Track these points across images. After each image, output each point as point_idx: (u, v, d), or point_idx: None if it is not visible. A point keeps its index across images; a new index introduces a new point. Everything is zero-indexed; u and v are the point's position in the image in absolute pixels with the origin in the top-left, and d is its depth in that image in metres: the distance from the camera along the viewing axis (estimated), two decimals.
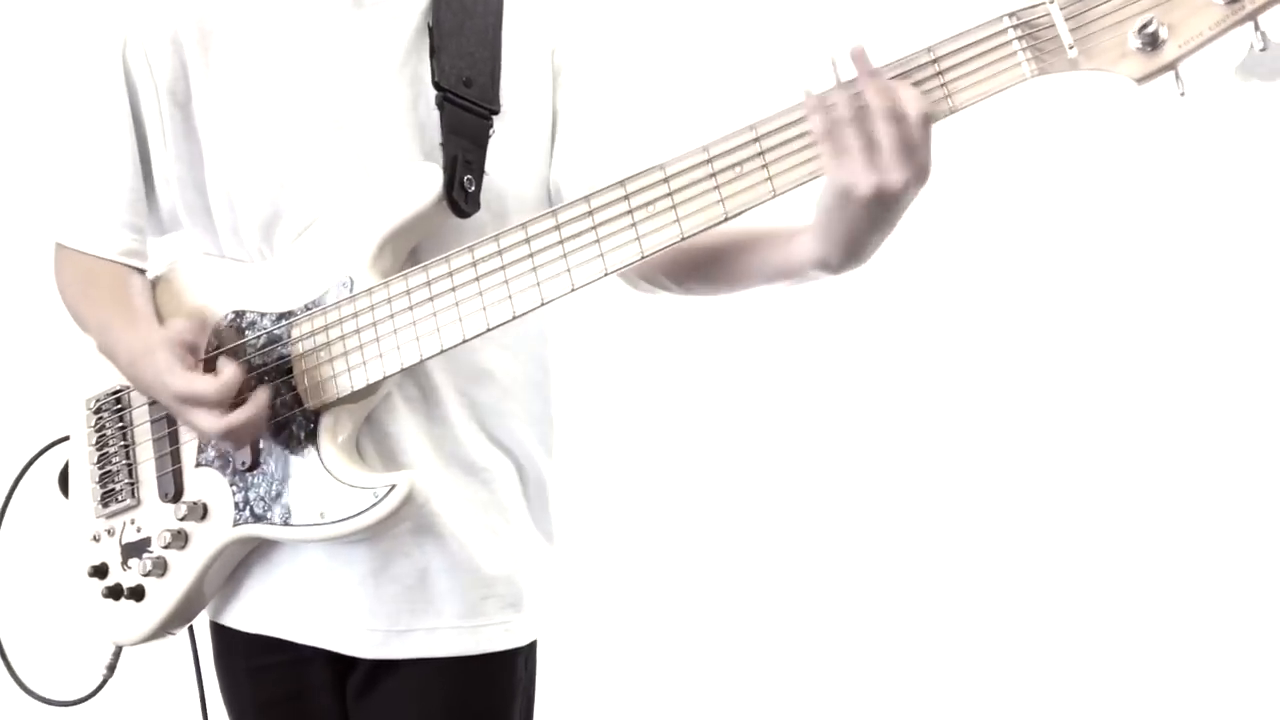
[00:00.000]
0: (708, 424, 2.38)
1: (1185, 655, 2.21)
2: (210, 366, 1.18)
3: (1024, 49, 0.97)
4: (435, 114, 1.24)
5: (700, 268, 1.23)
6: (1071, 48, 0.96)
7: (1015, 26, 0.98)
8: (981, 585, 2.30)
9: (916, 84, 0.98)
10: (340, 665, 1.26)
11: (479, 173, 1.23)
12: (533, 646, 1.30)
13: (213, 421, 1.14)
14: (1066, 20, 0.96)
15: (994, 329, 2.33)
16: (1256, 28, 0.93)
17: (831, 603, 2.34)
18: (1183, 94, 0.95)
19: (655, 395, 2.37)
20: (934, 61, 0.99)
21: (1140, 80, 0.96)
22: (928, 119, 0.97)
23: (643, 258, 1.09)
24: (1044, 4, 0.97)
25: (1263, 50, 0.93)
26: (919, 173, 0.98)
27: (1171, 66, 0.95)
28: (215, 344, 1.25)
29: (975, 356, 2.33)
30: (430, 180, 1.20)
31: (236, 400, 1.15)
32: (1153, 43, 0.94)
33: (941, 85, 0.99)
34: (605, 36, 1.34)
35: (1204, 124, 2.06)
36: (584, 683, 2.28)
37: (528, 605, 1.27)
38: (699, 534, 2.37)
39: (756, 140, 1.04)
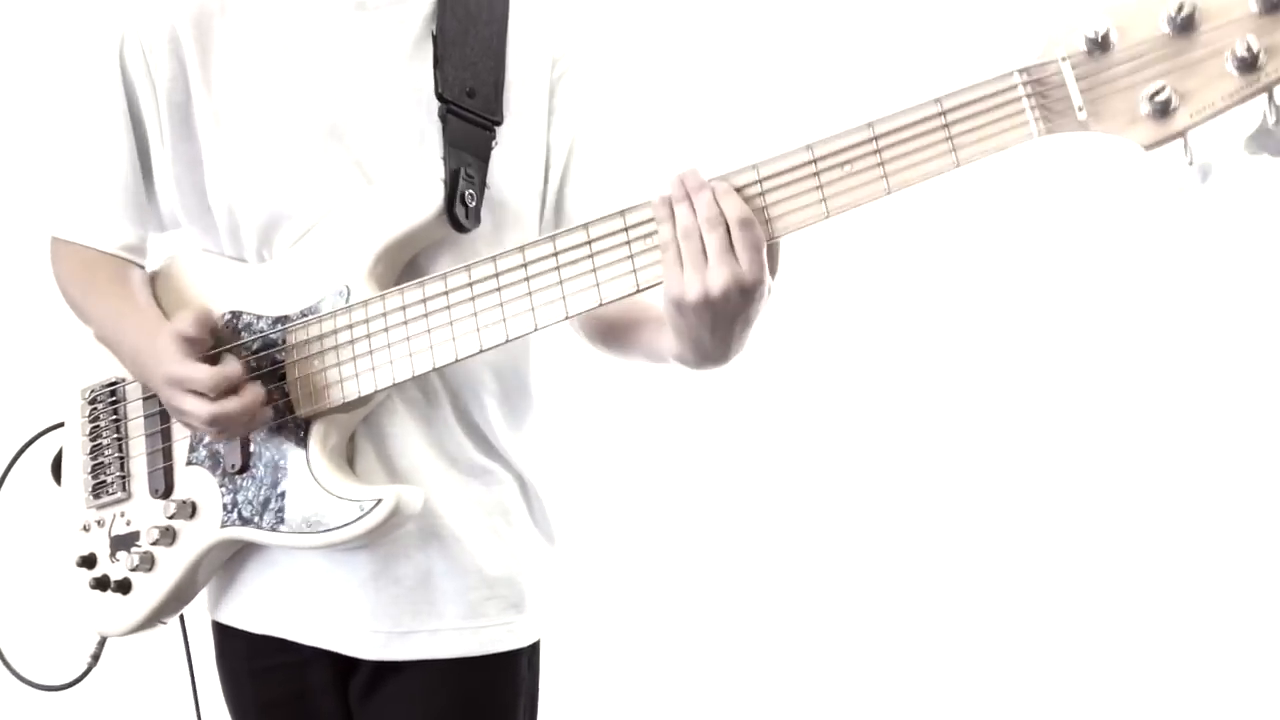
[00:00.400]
0: (708, 425, 2.38)
1: (1185, 655, 2.21)
2: (213, 362, 1.19)
3: (1033, 106, 0.96)
4: (436, 122, 1.23)
5: (605, 333, 1.29)
6: (1081, 109, 0.95)
7: (1026, 84, 0.96)
8: (980, 585, 2.31)
9: (748, 194, 1.02)
10: (343, 666, 1.27)
11: (480, 187, 1.22)
12: (536, 647, 1.31)
13: (201, 406, 1.15)
14: (1077, 80, 0.95)
15: (992, 330, 2.33)
16: (1271, 100, 0.92)
17: (831, 602, 2.35)
18: (1190, 163, 0.94)
19: (655, 397, 2.36)
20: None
21: (1148, 147, 0.94)
22: (747, 223, 1.01)
23: (638, 290, 1.08)
24: (1055, 61, 0.96)
25: (1276, 124, 0.92)
26: (739, 277, 1.01)
27: (1181, 135, 0.93)
28: (213, 343, 1.26)
29: (973, 358, 2.33)
30: (431, 194, 1.19)
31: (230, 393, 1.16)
32: (1164, 110, 0.93)
33: (947, 139, 0.98)
34: (607, 47, 1.32)
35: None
36: (588, 683, 2.29)
37: (530, 606, 1.28)
38: (700, 534, 2.37)
39: (759, 181, 1.03)
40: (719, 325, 1.04)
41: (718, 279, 1.01)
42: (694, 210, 1.02)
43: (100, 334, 1.31)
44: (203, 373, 1.15)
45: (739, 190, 1.03)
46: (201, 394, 1.15)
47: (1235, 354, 2.24)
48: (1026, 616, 2.29)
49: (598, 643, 2.33)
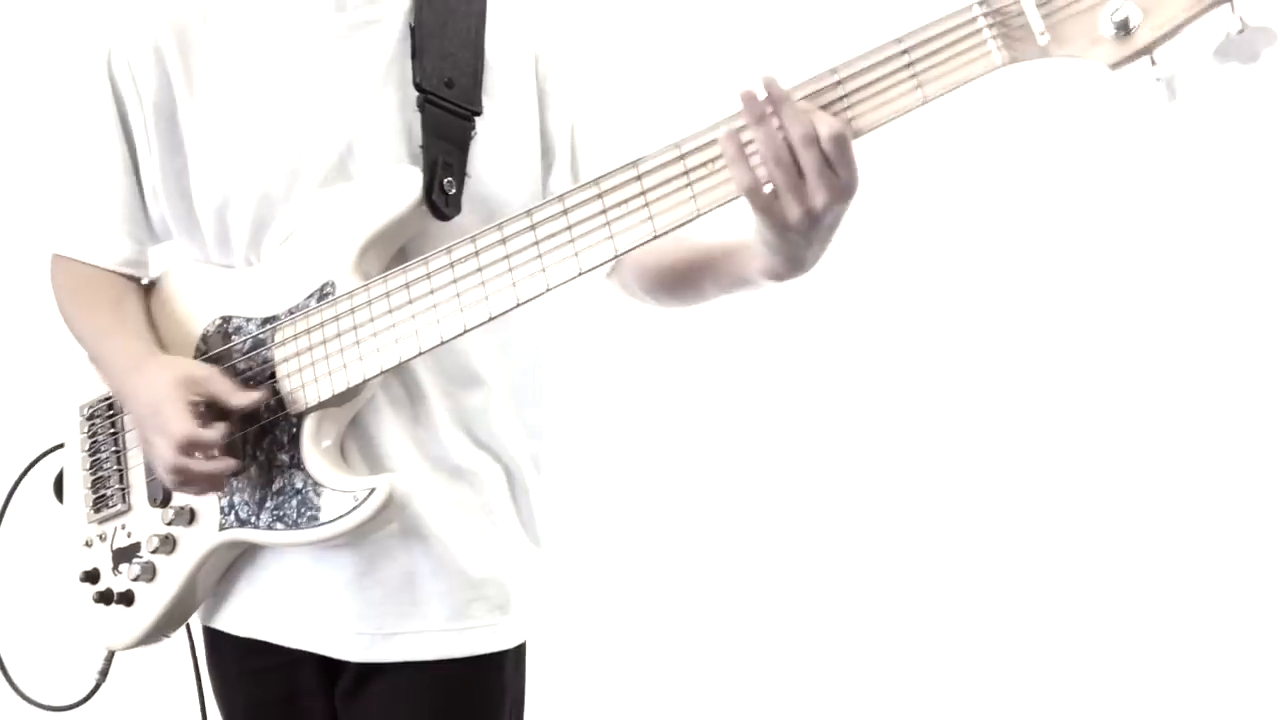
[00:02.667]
0: (696, 426, 2.37)
1: (1185, 655, 2.18)
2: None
3: (994, 36, 0.95)
4: (419, 117, 1.24)
5: (668, 282, 1.26)
6: (1042, 34, 0.94)
7: (986, 15, 0.96)
8: (979, 584, 2.27)
9: (829, 102, 0.99)
10: (330, 668, 1.26)
11: (460, 175, 1.23)
12: (522, 648, 1.30)
13: (168, 452, 1.15)
14: (1037, 6, 0.94)
15: (991, 328, 2.30)
16: (1233, 9, 0.91)
17: (819, 603, 2.32)
18: (1159, 79, 0.93)
19: (643, 397, 2.36)
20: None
21: (1114, 66, 0.93)
22: (840, 138, 0.98)
23: (616, 256, 1.08)
24: None
25: (1240, 33, 0.91)
26: (840, 192, 0.99)
27: (1146, 52, 0.93)
28: (203, 349, 1.26)
29: (970, 355, 2.30)
30: (410, 183, 1.20)
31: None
32: (1125, 28, 0.92)
33: (913, 77, 0.98)
34: (587, 38, 1.33)
35: (1193, 116, 2.02)
36: (574, 685, 2.27)
37: (515, 608, 1.27)
38: (688, 536, 2.36)
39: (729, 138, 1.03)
40: (819, 236, 1.02)
41: (820, 198, 0.98)
42: (781, 128, 0.97)
43: (90, 353, 1.32)
44: (182, 427, 1.15)
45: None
46: (177, 445, 1.15)
47: (1235, 351, 2.21)
48: (1026, 616, 2.25)
49: (584, 644, 2.31)
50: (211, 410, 1.19)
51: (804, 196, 0.98)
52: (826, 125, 0.97)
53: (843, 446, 2.33)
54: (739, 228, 1.09)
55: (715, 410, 2.37)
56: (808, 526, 2.33)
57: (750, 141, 1.00)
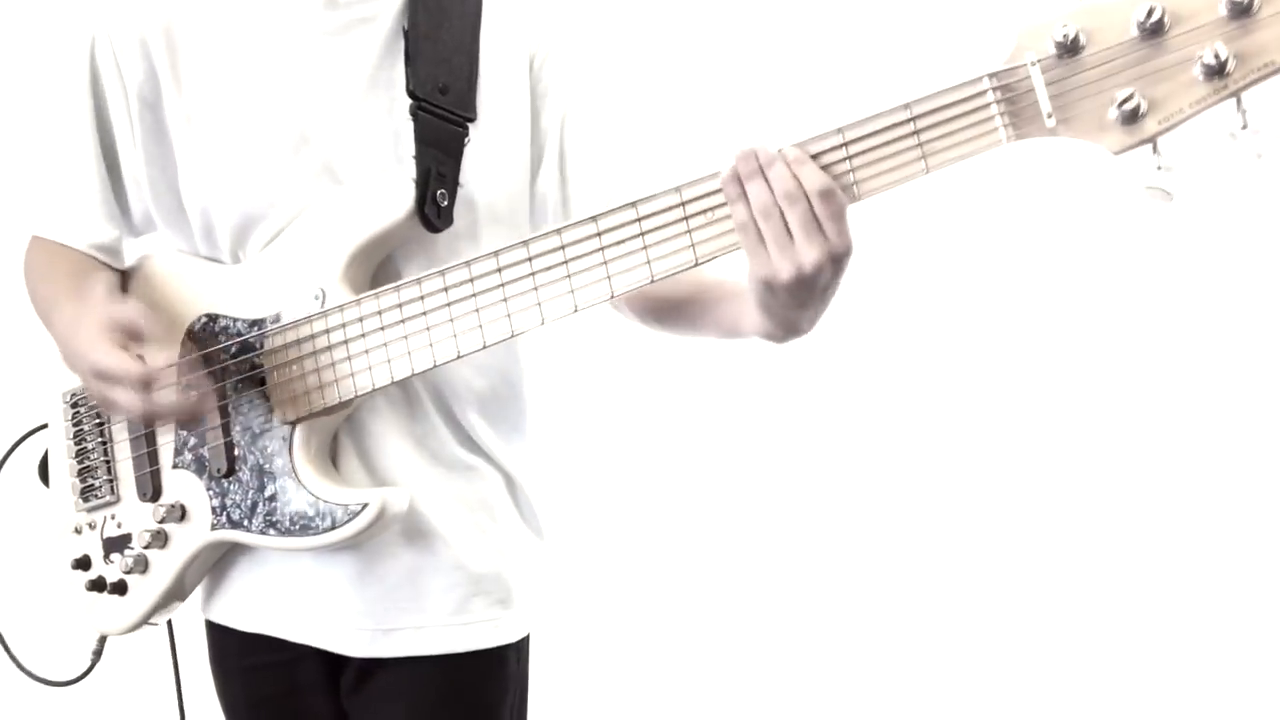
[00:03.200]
0: (697, 419, 2.37)
1: (1185, 655, 2.22)
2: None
3: (1002, 113, 0.95)
4: (409, 121, 1.21)
5: (667, 312, 1.25)
6: (1050, 116, 0.94)
7: (995, 89, 0.95)
8: (979, 584, 2.31)
9: (834, 161, 0.98)
10: (332, 664, 1.28)
11: (453, 186, 1.21)
12: (525, 642, 1.32)
13: (126, 397, 1.11)
14: (1047, 85, 0.94)
15: (992, 329, 2.31)
16: (1239, 106, 0.91)
17: (821, 596, 2.35)
18: (1159, 168, 0.94)
19: (645, 390, 2.35)
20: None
21: (1118, 153, 0.94)
22: (827, 193, 0.97)
23: (612, 297, 1.09)
24: (1024, 65, 0.95)
25: (1243, 129, 0.92)
26: (832, 251, 0.98)
27: (1150, 141, 0.93)
28: (189, 345, 1.26)
29: (971, 356, 2.31)
30: (402, 195, 1.18)
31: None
32: (1133, 117, 0.92)
33: (918, 146, 0.98)
34: (583, 42, 1.30)
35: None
36: (578, 678, 2.29)
37: (517, 602, 1.29)
38: (690, 528, 2.37)
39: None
40: (811, 300, 1.02)
41: (809, 256, 0.98)
42: (769, 186, 0.98)
43: (44, 322, 1.28)
44: (123, 367, 1.10)
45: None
46: (127, 386, 1.11)
47: (1235, 353, 2.22)
48: (1027, 616, 2.29)
49: (587, 638, 2.34)
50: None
51: (793, 254, 0.98)
52: (813, 180, 0.98)
53: (843, 438, 2.34)
54: (741, 273, 1.09)
55: (716, 403, 2.36)
56: (808, 518, 2.35)
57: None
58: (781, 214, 0.98)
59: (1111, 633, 2.27)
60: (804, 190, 0.97)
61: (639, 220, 1.06)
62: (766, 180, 0.98)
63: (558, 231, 1.10)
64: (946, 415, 2.33)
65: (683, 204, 1.05)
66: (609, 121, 1.30)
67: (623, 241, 1.07)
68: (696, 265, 1.05)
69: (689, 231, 1.05)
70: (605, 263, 1.08)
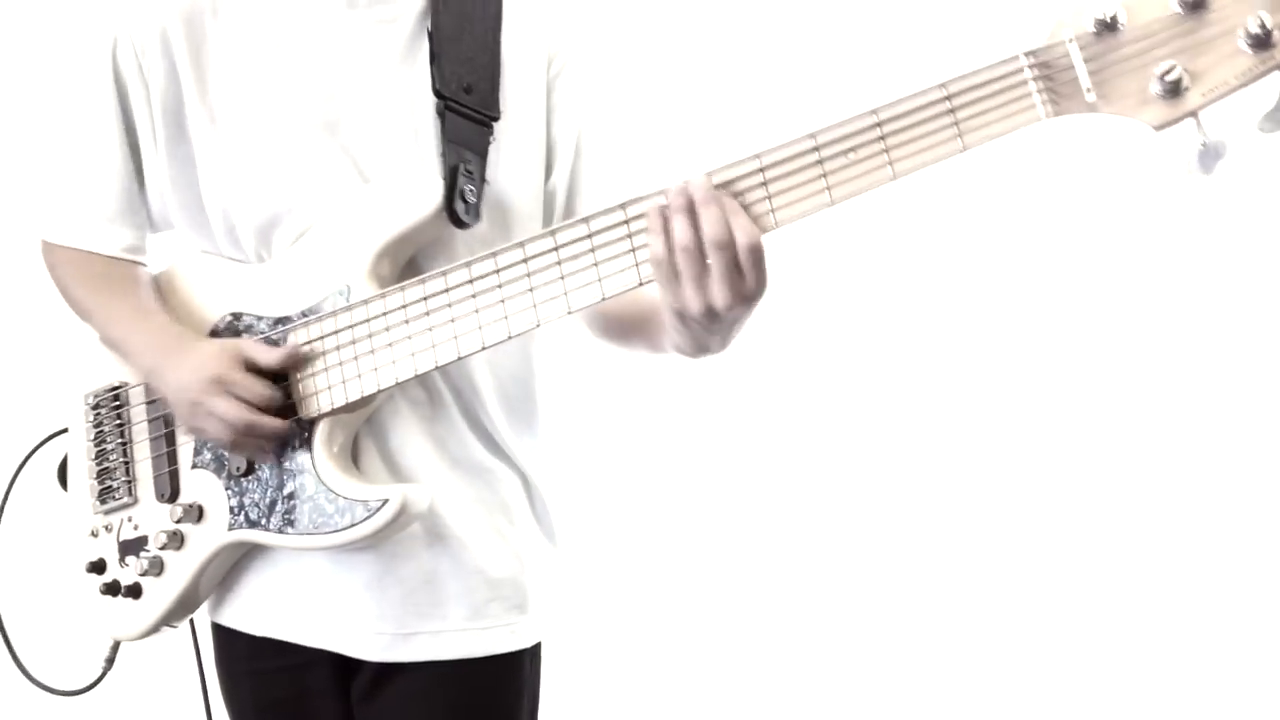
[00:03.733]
0: (710, 425, 2.37)
1: (1185, 655, 2.20)
2: None
3: (1040, 90, 0.94)
4: (431, 118, 1.22)
5: (608, 327, 1.29)
6: (1089, 91, 0.92)
7: (1032, 66, 0.94)
8: (980, 585, 2.29)
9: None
10: (344, 669, 1.26)
11: (480, 183, 1.21)
12: (538, 648, 1.31)
13: (239, 410, 1.14)
14: (1085, 62, 0.92)
15: (993, 329, 2.30)
16: None
17: (832, 602, 2.34)
18: (1204, 143, 0.92)
19: (658, 397, 2.35)
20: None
21: (1159, 128, 0.92)
22: (755, 249, 0.99)
23: (640, 284, 1.07)
24: (1062, 43, 0.93)
25: None
26: (743, 298, 1.00)
27: (1192, 115, 0.91)
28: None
29: (974, 357, 2.30)
30: (431, 191, 1.18)
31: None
32: (1175, 90, 0.90)
33: (954, 124, 0.96)
34: (600, 43, 1.31)
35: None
36: (590, 684, 2.28)
37: (533, 607, 1.28)
38: (702, 535, 2.36)
39: (761, 170, 1.01)
40: (720, 330, 1.05)
41: (722, 297, 1.00)
42: (693, 226, 0.99)
43: (109, 338, 1.30)
44: (256, 384, 1.16)
45: (740, 180, 1.00)
46: (240, 399, 1.15)
47: (1236, 353, 2.21)
48: (1027, 616, 2.27)
49: (600, 643, 2.32)
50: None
51: (706, 291, 1.00)
52: (744, 234, 0.99)
53: (855, 444, 2.33)
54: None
55: (728, 410, 2.36)
56: (819, 525, 2.34)
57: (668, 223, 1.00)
58: (701, 256, 0.99)
59: (1111, 632, 2.24)
60: (733, 240, 0.98)
61: (590, 236, 1.07)
62: (692, 220, 0.99)
63: (585, 220, 1.08)
64: (956, 423, 2.31)
65: (627, 221, 1.05)
66: (622, 132, 1.32)
67: (578, 257, 1.07)
68: (641, 284, 1.06)
69: (633, 250, 1.05)
70: (634, 249, 1.06)
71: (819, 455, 2.35)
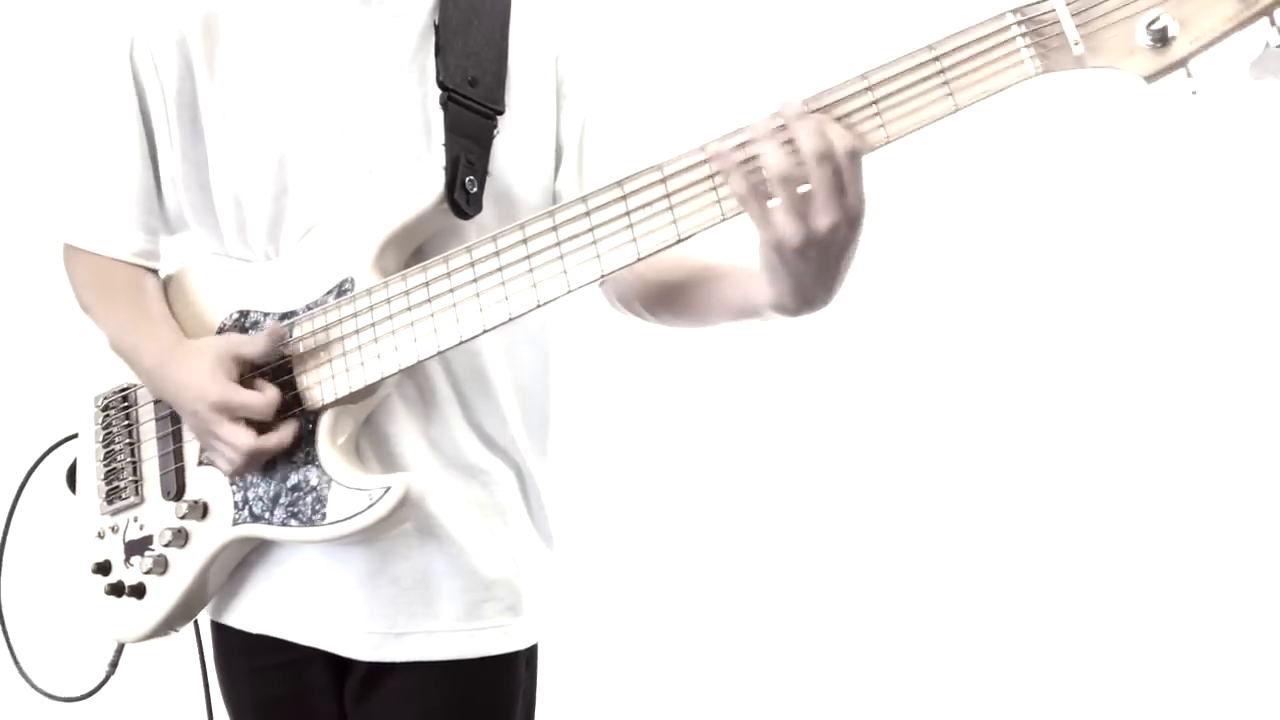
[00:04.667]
0: (707, 427, 2.36)
1: (1185, 655, 2.17)
2: (247, 385, 1.18)
3: (1028, 45, 0.94)
4: (440, 113, 1.23)
5: (669, 299, 1.23)
6: (1077, 44, 0.93)
7: (1020, 23, 0.95)
8: (980, 585, 2.27)
9: (847, 115, 0.96)
10: (339, 667, 1.26)
11: (482, 174, 1.22)
12: (533, 650, 1.29)
13: (246, 437, 1.14)
14: (1072, 16, 0.93)
15: (994, 329, 2.30)
16: (1273, 23, 0.89)
17: (831, 605, 2.32)
18: (1194, 92, 0.92)
19: (654, 398, 2.36)
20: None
21: (1149, 78, 0.92)
22: (855, 154, 0.94)
23: (639, 259, 1.07)
24: None
25: (1278, 46, 0.89)
26: (848, 216, 0.95)
27: (1182, 64, 0.91)
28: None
29: (975, 357, 2.30)
30: (431, 181, 1.19)
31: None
32: (1162, 39, 0.91)
33: (944, 84, 0.97)
34: (610, 40, 1.32)
35: (1212, 123, 2.02)
36: (585, 686, 2.27)
37: (527, 609, 1.27)
38: (698, 537, 2.35)
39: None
40: (825, 264, 0.97)
41: (825, 219, 0.94)
42: (782, 148, 0.94)
43: (116, 345, 1.31)
44: (253, 399, 1.15)
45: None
46: (247, 424, 1.14)
47: (1236, 352, 2.20)
48: (1027, 617, 2.25)
49: (596, 646, 2.30)
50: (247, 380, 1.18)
51: (807, 216, 0.94)
52: (843, 140, 0.94)
53: (854, 445, 2.33)
54: (747, 252, 1.05)
55: (725, 411, 2.36)
56: (817, 526, 2.33)
57: (753, 157, 0.97)
58: (801, 173, 0.94)
59: (1111, 632, 2.21)
60: (834, 149, 0.94)
61: (664, 180, 1.05)
62: (784, 137, 0.95)
63: (583, 199, 1.09)
64: (958, 423, 2.30)
65: (708, 160, 1.04)
66: (628, 126, 1.31)
67: (649, 204, 1.06)
68: (724, 221, 1.03)
69: (715, 188, 1.03)
70: (631, 225, 1.07)
71: (817, 456, 2.33)
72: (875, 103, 0.98)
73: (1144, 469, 2.22)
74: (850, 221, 0.96)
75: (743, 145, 0.98)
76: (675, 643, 2.35)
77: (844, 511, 2.32)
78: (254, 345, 1.18)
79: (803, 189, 0.95)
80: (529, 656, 1.28)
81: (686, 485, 2.36)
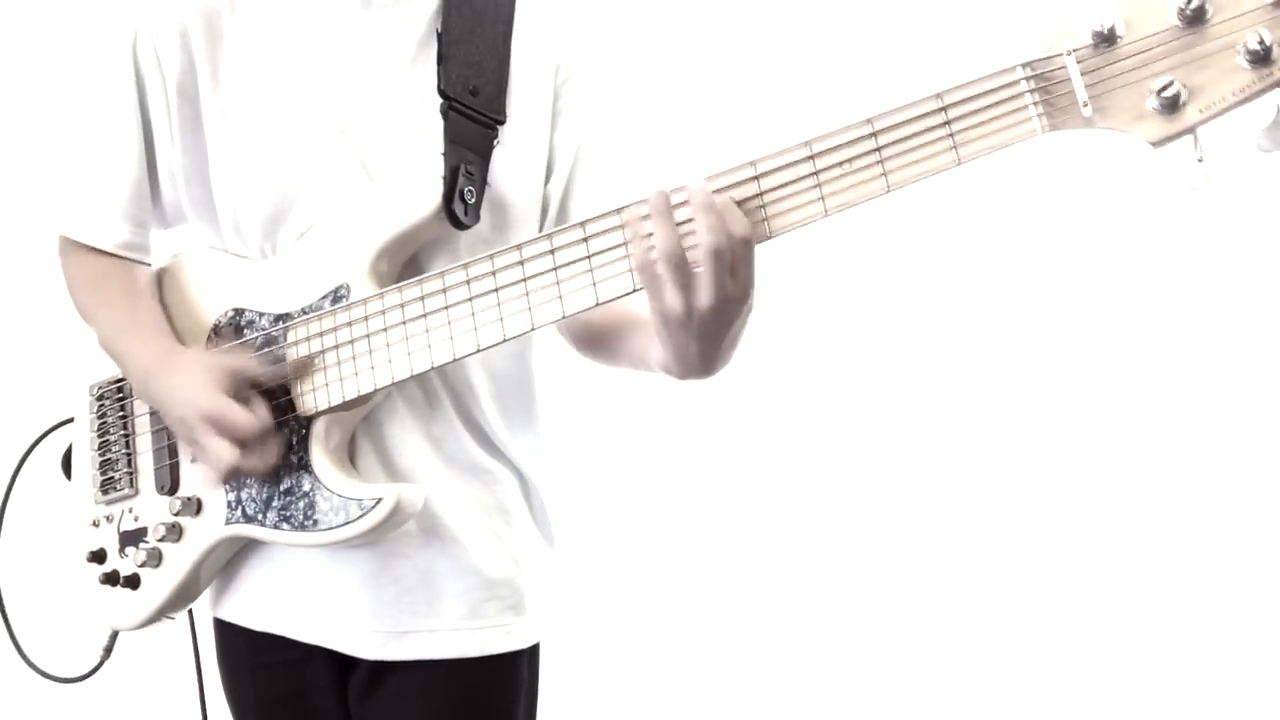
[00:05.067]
0: (708, 427, 2.36)
1: (1185, 655, 2.19)
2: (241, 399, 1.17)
3: (1035, 103, 0.93)
4: (439, 119, 1.22)
5: (592, 340, 1.27)
6: (1085, 105, 0.92)
7: (1029, 79, 0.93)
8: (981, 586, 2.29)
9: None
10: (342, 665, 1.27)
11: (480, 184, 1.21)
12: (535, 649, 1.31)
13: (230, 454, 1.14)
14: (1083, 75, 0.92)
15: (993, 330, 2.29)
16: None
17: (830, 604, 2.34)
18: (1200, 159, 0.91)
19: (656, 398, 2.35)
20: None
21: (1156, 144, 0.91)
22: (749, 243, 0.97)
23: (636, 289, 1.07)
24: (1060, 55, 0.92)
25: None
26: (734, 297, 0.98)
27: (1190, 131, 0.90)
28: (215, 340, 1.26)
29: (974, 358, 2.30)
30: (429, 191, 1.18)
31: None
32: (1173, 105, 0.89)
33: (949, 137, 0.95)
34: (610, 52, 1.30)
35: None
36: (587, 686, 2.29)
37: (529, 608, 1.28)
38: (700, 537, 2.36)
39: (756, 179, 1.01)
40: (712, 338, 1.02)
41: (707, 298, 0.97)
42: (667, 229, 0.97)
43: (105, 345, 1.30)
44: (243, 417, 1.14)
45: (735, 187, 1.00)
46: (233, 440, 1.14)
47: (1236, 354, 2.20)
48: (1027, 617, 2.27)
49: (598, 645, 2.32)
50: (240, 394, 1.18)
51: (691, 293, 0.98)
52: (740, 226, 0.96)
53: (854, 446, 2.33)
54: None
55: (726, 411, 2.35)
56: (818, 525, 2.33)
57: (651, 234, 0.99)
58: (683, 259, 0.97)
59: (1111, 632, 2.23)
60: (730, 235, 0.96)
61: (586, 240, 1.06)
62: (668, 224, 0.97)
63: (581, 225, 1.09)
64: (959, 424, 2.31)
65: (623, 226, 1.04)
66: (622, 147, 1.31)
67: (574, 262, 1.07)
68: (635, 290, 1.04)
69: (628, 256, 1.04)
70: (630, 256, 1.06)
71: (817, 457, 2.34)
72: (879, 149, 0.97)
73: (1143, 470, 2.22)
74: (737, 301, 0.99)
75: (646, 217, 1.00)
76: (676, 642, 2.36)
77: (844, 511, 2.32)
78: (267, 374, 1.18)
79: (696, 269, 0.98)
80: (531, 656, 1.30)
81: (687, 486, 2.37)
